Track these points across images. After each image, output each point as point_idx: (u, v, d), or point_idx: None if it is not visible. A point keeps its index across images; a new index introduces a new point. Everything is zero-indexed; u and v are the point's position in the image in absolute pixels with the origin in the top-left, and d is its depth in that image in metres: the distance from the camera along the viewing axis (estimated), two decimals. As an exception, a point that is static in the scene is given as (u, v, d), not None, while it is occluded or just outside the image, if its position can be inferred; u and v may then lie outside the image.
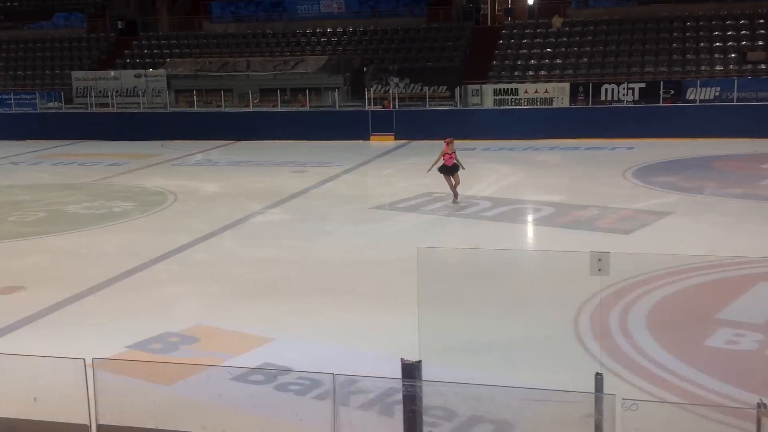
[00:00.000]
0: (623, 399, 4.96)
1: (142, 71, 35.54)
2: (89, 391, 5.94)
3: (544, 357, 8.82)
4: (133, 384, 6.45)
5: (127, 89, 34.75)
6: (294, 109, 32.24)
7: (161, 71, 35.22)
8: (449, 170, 17.29)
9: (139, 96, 34.21)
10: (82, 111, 34.24)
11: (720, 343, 8.94)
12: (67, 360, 6.00)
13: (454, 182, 17.33)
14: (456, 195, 17.39)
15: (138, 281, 12.36)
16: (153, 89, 34.58)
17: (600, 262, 7.29)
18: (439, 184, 19.92)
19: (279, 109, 32.00)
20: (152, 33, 40.67)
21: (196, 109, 32.92)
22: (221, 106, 32.94)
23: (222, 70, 35.16)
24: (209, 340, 9.65)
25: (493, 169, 22.58)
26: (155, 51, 38.81)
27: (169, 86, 34.57)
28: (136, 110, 33.63)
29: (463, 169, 17.49)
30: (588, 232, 14.47)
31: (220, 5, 40.26)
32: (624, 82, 29.23)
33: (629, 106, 28.56)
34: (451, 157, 17.27)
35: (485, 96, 30.52)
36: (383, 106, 30.83)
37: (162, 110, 33.54)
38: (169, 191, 20.06)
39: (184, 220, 16.88)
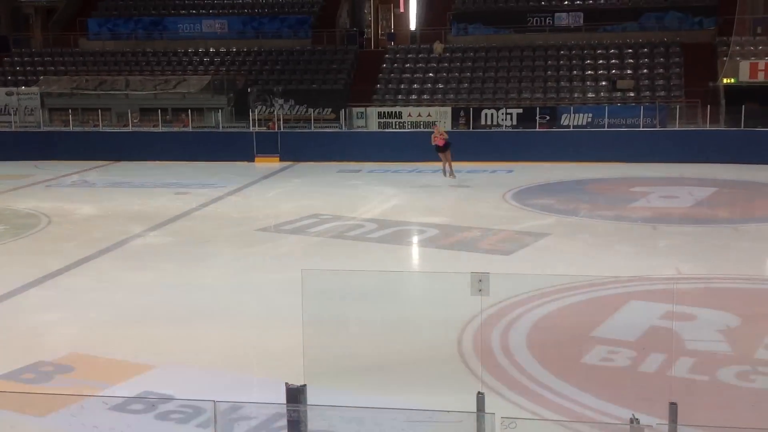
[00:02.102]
0: (502, 417, 5.08)
1: (13, 89, 34.01)
2: (-47, 426, 5.60)
3: (428, 377, 8.93)
4: (3, 416, 6.14)
5: (-3, 107, 33.22)
6: (176, 129, 31.58)
7: (34, 89, 33.83)
8: (442, 149, 21.81)
9: (10, 114, 32.70)
10: (-53, 129, 32.49)
11: (595, 360, 9.29)
12: (-72, 394, 5.65)
13: (448, 159, 21.74)
14: (452, 172, 21.89)
15: (9, 308, 11.79)
16: (25, 107, 33.15)
17: (480, 283, 7.47)
18: (326, 205, 19.98)
19: (160, 129, 31.28)
20: (25, 50, 39.08)
21: (71, 128, 31.76)
22: (99, 125, 31.90)
23: (99, 88, 34.11)
24: (86, 369, 9.29)
25: (378, 191, 22.80)
26: (28, 68, 37.29)
27: (42, 104, 33.23)
28: (8, 129, 32.09)
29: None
30: (470, 253, 14.80)
31: (98, 22, 39.13)
32: (503, 108, 30.14)
33: (508, 131, 29.44)
34: (442, 137, 21.75)
35: (370, 119, 30.83)
36: (268, 128, 30.65)
37: (35, 129, 32.20)
38: (43, 214, 19.24)
39: (59, 244, 16.23)
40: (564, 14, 35.35)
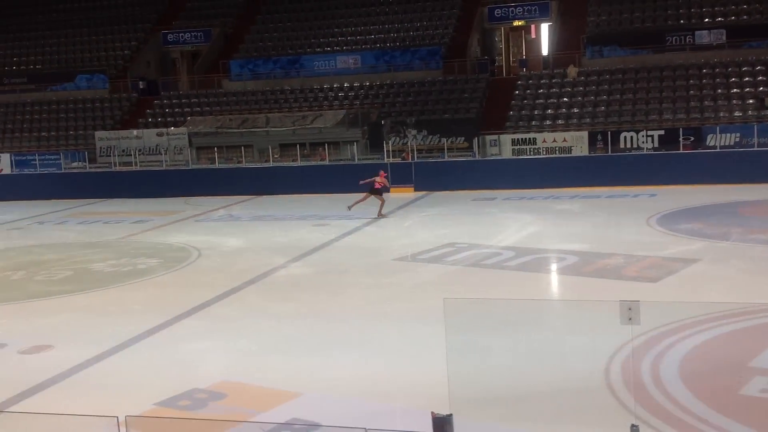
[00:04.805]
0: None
1: (163, 130, 36.07)
2: (121, 449, 5.90)
3: (576, 408, 8.70)
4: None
5: (149, 147, 35.25)
6: (314, 162, 32.53)
7: (182, 129, 35.71)
8: (380, 191, 23.60)
9: (161, 154, 34.67)
10: (105, 170, 34.71)
11: (755, 391, 8.79)
12: (99, 418, 5.99)
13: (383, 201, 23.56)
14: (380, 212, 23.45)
15: (164, 338, 12.37)
16: (175, 147, 35.05)
17: (630, 312, 7.25)
18: (462, 234, 19.94)
19: (299, 163, 32.30)
20: (173, 92, 41.36)
21: (217, 165, 33.29)
22: (242, 161, 33.30)
23: (242, 126, 35.61)
24: (237, 396, 9.60)
25: (514, 219, 22.56)
26: (176, 110, 39.41)
27: (190, 143, 35.04)
28: (159, 168, 34.03)
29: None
30: (614, 281, 14.35)
31: (239, 64, 40.94)
32: (643, 130, 29.28)
33: (650, 153, 28.56)
34: (382, 182, 23.67)
35: (503, 146, 30.66)
36: (402, 158, 31.02)
37: (184, 167, 33.94)
38: (193, 247, 20.17)
39: (208, 276, 16.93)
40: (705, 32, 34.10)
